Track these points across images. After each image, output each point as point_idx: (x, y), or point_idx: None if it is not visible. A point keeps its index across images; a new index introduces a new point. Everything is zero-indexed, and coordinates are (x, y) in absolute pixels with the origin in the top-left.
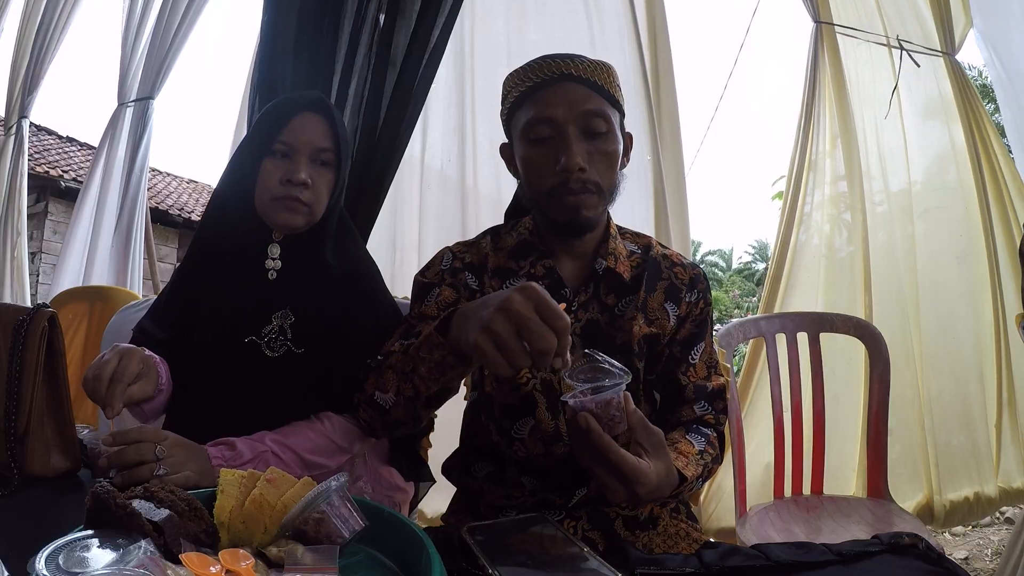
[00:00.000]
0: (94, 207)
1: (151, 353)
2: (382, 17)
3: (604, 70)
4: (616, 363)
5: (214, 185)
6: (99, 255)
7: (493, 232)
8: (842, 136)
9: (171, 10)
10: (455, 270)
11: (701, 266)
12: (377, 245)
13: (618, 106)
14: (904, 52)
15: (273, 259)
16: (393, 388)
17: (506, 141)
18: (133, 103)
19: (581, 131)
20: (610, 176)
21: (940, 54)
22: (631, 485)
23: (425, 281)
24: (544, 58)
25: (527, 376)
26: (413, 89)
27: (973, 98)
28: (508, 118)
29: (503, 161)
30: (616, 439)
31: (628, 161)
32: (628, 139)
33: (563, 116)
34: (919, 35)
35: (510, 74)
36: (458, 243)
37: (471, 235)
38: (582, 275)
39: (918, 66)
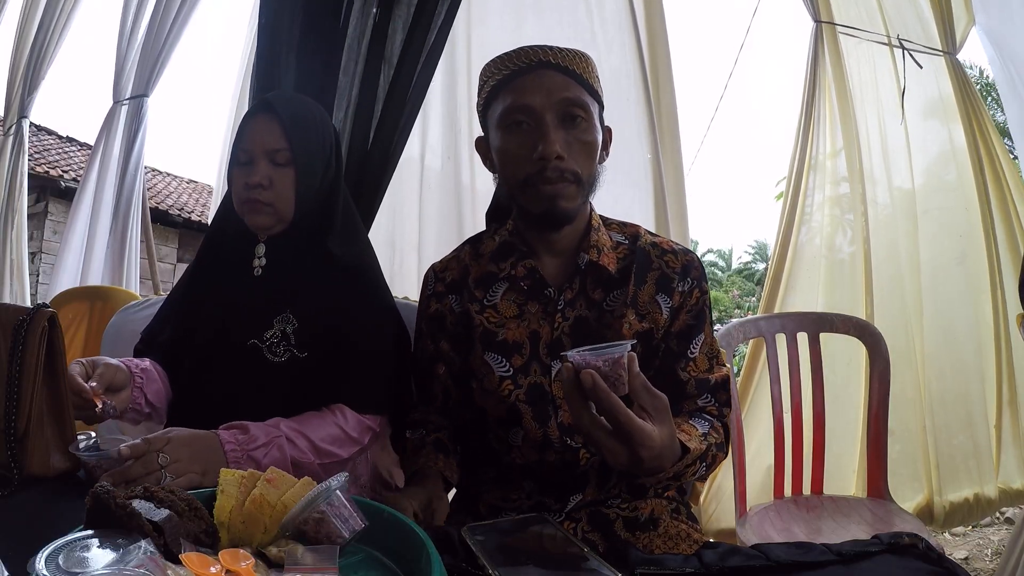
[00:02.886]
0: (90, 206)
1: (118, 361)
2: (375, 11)
3: (582, 59)
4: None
5: (214, 185)
6: (96, 254)
7: (472, 241)
8: (843, 136)
9: (165, 7)
10: (439, 294)
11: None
12: (376, 245)
13: (597, 96)
14: (905, 52)
15: (259, 257)
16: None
17: (481, 135)
18: (128, 101)
19: (559, 119)
20: (589, 166)
21: (941, 53)
22: (635, 448)
23: (419, 318)
24: (521, 48)
25: (509, 388)
26: (410, 89)
27: (974, 98)
28: (484, 109)
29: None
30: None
31: (608, 155)
32: (607, 132)
33: (540, 104)
34: (920, 34)
35: (486, 64)
36: (440, 260)
37: (470, 235)
38: (565, 272)
39: (920, 67)
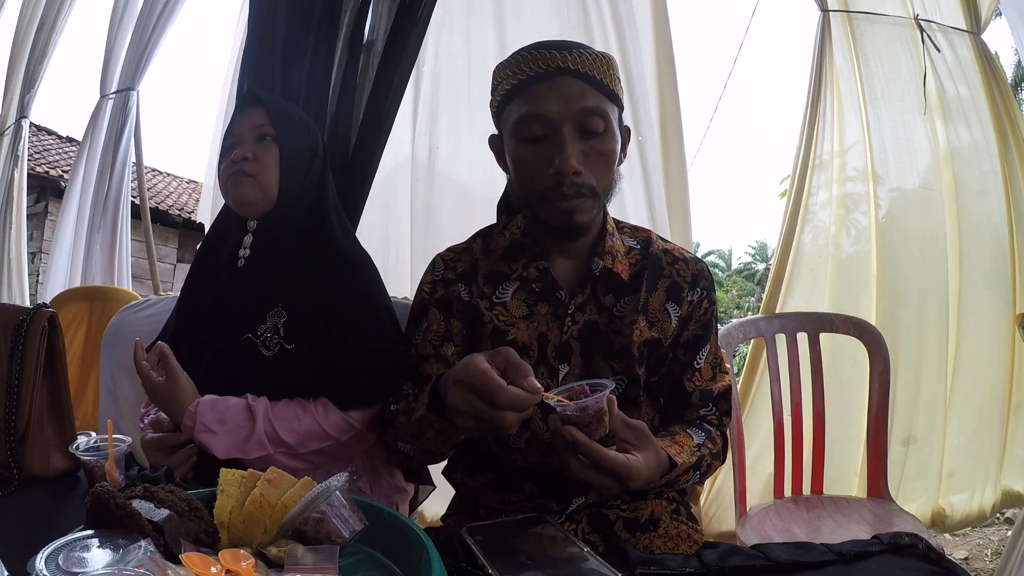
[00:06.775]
0: (79, 204)
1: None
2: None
3: (603, 62)
4: (602, 380)
5: (204, 182)
6: (87, 253)
7: (484, 234)
8: (852, 132)
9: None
10: (447, 281)
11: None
12: (372, 244)
13: (617, 100)
14: (924, 34)
15: (244, 248)
16: (410, 442)
17: (495, 133)
18: (114, 95)
19: (577, 130)
20: (606, 177)
21: (965, 32)
22: (624, 481)
23: (419, 300)
24: (538, 48)
25: None
26: (395, 77)
27: (1002, 83)
28: (498, 111)
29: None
30: (600, 441)
31: (625, 156)
32: (626, 133)
33: (558, 114)
34: (939, 13)
35: (500, 64)
36: (449, 249)
37: (467, 231)
38: (578, 276)
39: (939, 51)
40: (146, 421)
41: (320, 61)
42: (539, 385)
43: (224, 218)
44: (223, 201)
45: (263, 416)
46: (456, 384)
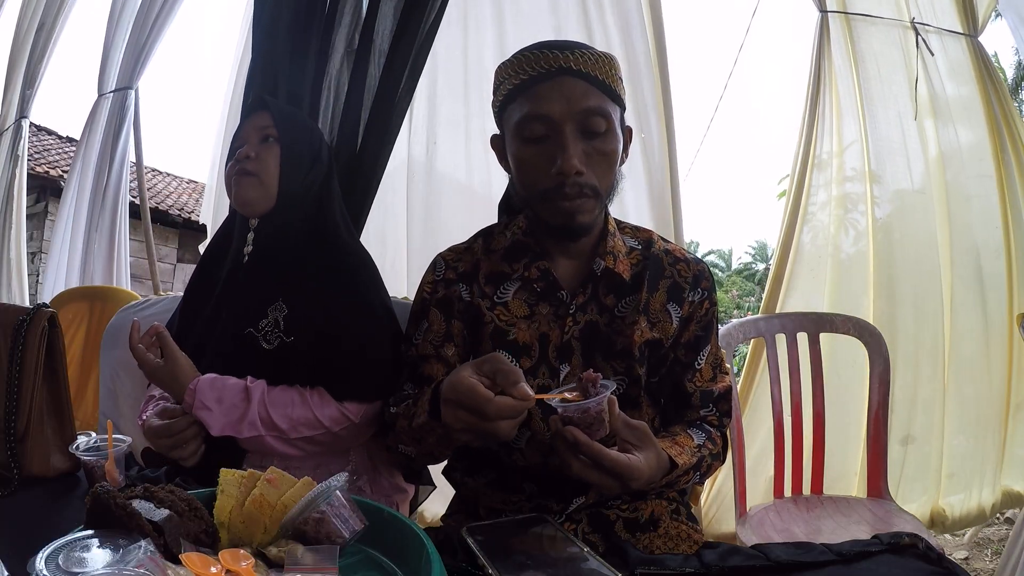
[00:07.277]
0: (75, 203)
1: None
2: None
3: (605, 62)
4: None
5: (207, 183)
6: (85, 253)
7: (485, 233)
8: (849, 132)
9: None
10: (448, 281)
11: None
12: (367, 242)
13: (619, 101)
14: (919, 36)
15: (248, 245)
16: (411, 445)
17: (497, 132)
18: (112, 93)
19: (579, 130)
20: (608, 177)
21: (962, 35)
22: (625, 481)
23: (420, 300)
24: (540, 48)
25: None
26: (402, 81)
27: (998, 85)
28: (500, 110)
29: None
30: (600, 441)
31: (627, 156)
32: (628, 134)
33: (560, 114)
34: (935, 16)
35: (502, 64)
36: (451, 249)
37: (465, 229)
38: (579, 276)
39: (932, 54)
40: (150, 412)
41: (323, 62)
42: (530, 391)
43: (229, 220)
44: (226, 202)
45: (259, 399)
46: (446, 403)
